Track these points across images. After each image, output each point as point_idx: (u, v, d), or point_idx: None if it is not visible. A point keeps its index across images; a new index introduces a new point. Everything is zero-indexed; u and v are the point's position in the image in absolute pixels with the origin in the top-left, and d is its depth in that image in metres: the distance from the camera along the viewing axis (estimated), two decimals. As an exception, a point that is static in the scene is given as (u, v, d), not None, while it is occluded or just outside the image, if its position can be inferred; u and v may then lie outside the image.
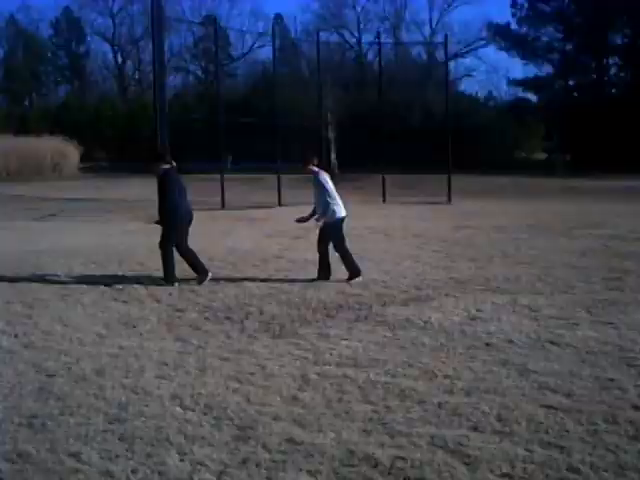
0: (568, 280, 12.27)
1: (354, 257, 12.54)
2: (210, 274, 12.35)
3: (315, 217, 12.57)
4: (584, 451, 5.45)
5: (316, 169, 12.59)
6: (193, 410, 6.41)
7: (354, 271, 12.46)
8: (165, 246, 12.28)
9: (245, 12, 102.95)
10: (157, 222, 12.48)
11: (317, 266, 12.52)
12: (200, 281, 12.20)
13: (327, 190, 12.34)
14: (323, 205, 12.33)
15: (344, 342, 8.57)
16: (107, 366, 7.76)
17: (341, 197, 12.55)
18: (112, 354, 8.22)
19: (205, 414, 6.32)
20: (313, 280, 12.37)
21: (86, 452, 5.55)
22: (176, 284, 12.08)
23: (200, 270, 12.34)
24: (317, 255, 12.47)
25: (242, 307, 10.47)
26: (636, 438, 5.67)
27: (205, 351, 8.30)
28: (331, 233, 12.44)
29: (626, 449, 5.47)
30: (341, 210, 12.48)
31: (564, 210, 25.45)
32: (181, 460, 5.43)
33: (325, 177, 12.51)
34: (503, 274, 12.85)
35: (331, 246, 12.48)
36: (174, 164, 12.48)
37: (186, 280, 12.38)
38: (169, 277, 12.20)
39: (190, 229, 12.61)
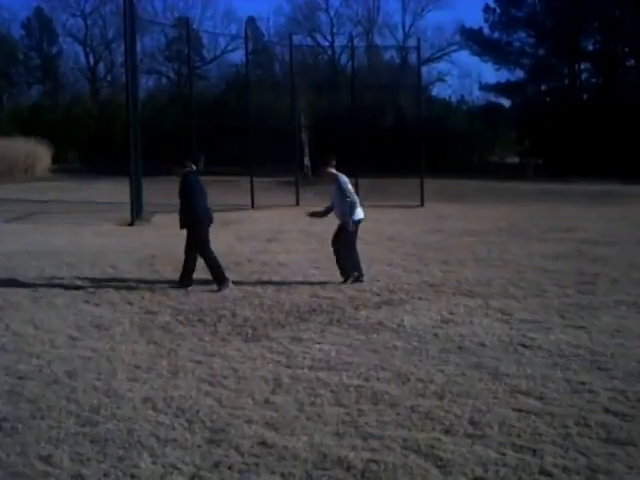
0: (540, 284, 12.33)
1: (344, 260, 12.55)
2: (230, 284, 12.08)
3: (326, 212, 12.76)
4: (556, 454, 5.48)
5: (335, 171, 12.58)
6: (165, 413, 6.39)
7: (347, 275, 12.52)
8: (204, 251, 12.11)
9: (218, 14, 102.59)
10: (182, 226, 12.31)
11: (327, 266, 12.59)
12: (217, 291, 11.89)
13: (348, 191, 12.34)
14: (343, 206, 12.32)
15: (317, 345, 8.56)
16: (79, 369, 7.72)
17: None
18: (84, 357, 8.18)
19: (177, 417, 6.29)
20: (342, 282, 12.41)
21: (57, 455, 5.51)
22: (230, 284, 11.96)
23: (219, 279, 12.07)
24: (327, 254, 12.38)
25: (215, 310, 10.44)
26: (607, 441, 5.70)
27: (177, 354, 8.27)
28: (346, 233, 12.45)
29: (598, 452, 5.50)
30: (359, 212, 12.50)
31: (536, 214, 25.57)
32: (153, 463, 5.41)
33: (345, 179, 12.51)
34: (475, 277, 12.90)
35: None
36: (195, 167, 12.46)
37: (161, 282, 12.33)
38: (222, 278, 12.03)
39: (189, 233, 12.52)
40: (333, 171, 12.62)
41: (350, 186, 12.50)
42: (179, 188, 12.23)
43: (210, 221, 12.43)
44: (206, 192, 12.45)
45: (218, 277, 12.03)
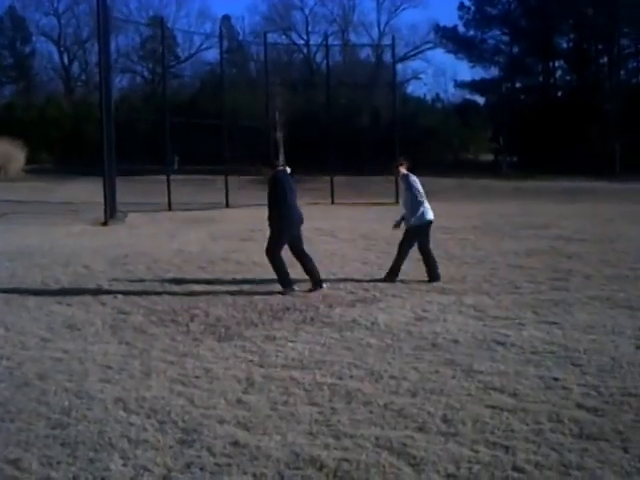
0: (514, 281, 12.36)
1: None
2: (325, 286, 11.81)
3: (403, 220, 12.61)
4: (529, 450, 5.47)
5: (406, 172, 12.54)
6: (137, 414, 6.33)
7: (435, 275, 12.43)
8: (274, 251, 11.69)
9: (192, 13, 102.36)
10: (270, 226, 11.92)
11: (391, 266, 12.52)
12: (311, 290, 11.64)
13: (418, 192, 12.32)
14: (413, 207, 12.30)
15: (290, 344, 8.53)
16: (50, 370, 7.64)
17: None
18: (55, 358, 8.10)
19: (149, 418, 6.24)
20: (383, 280, 12.37)
21: (26, 459, 5.44)
22: (295, 287, 11.63)
23: (315, 279, 11.80)
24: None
25: (187, 310, 10.38)
26: (580, 436, 5.70)
27: (150, 354, 8.21)
28: (417, 234, 12.41)
29: (570, 448, 5.50)
30: (429, 213, 12.45)
31: (510, 211, 25.66)
32: (124, 465, 5.35)
33: (415, 179, 12.47)
34: (449, 275, 12.89)
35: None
36: (285, 167, 12.14)
37: (135, 282, 12.27)
38: (286, 282, 11.63)
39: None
40: (404, 171, 12.58)
41: (420, 187, 12.44)
42: (268, 188, 11.84)
43: (300, 221, 11.94)
44: (296, 192, 12.04)
45: (282, 280, 11.66)
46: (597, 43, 62.49)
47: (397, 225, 12.85)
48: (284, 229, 11.69)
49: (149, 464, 5.34)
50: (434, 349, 8.25)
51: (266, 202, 11.63)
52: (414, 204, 12.32)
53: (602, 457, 5.34)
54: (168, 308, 10.52)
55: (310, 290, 11.58)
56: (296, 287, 11.62)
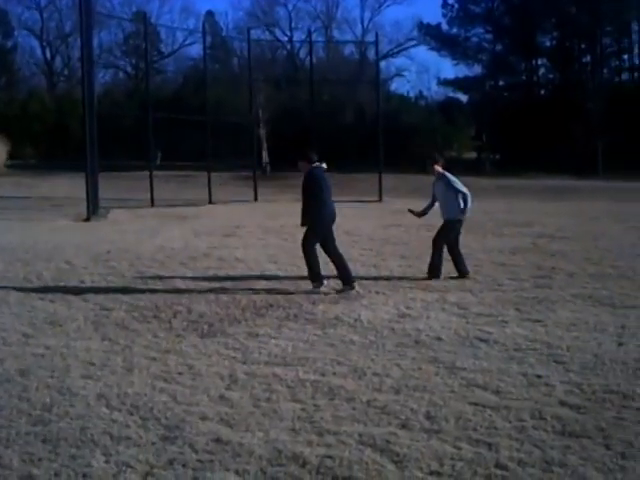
0: (497, 278, 12.38)
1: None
2: (356, 287, 11.53)
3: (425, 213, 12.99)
4: (512, 447, 5.47)
5: (442, 170, 12.54)
6: (119, 410, 6.30)
7: (463, 270, 12.48)
8: (308, 246, 11.61)
9: (176, 9, 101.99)
10: (303, 224, 11.85)
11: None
12: (341, 290, 11.46)
13: (458, 189, 12.32)
14: (454, 202, 12.32)
15: (273, 341, 8.52)
16: (32, 366, 7.60)
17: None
18: (37, 354, 8.06)
19: (131, 414, 6.21)
20: (425, 279, 12.30)
21: (7, 456, 5.40)
22: (325, 282, 11.60)
23: (345, 278, 11.63)
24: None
25: (170, 306, 10.35)
26: (562, 434, 5.71)
27: (132, 350, 8.18)
28: (453, 229, 12.46)
29: (552, 445, 5.50)
30: (468, 211, 12.47)
31: (493, 209, 25.68)
32: (106, 462, 5.32)
33: (452, 177, 12.48)
34: (433, 272, 12.90)
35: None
36: (322, 163, 12.00)
37: (117, 278, 12.23)
38: (316, 277, 11.57)
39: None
40: (440, 169, 12.57)
41: (459, 183, 12.45)
42: (304, 184, 11.76)
43: (333, 219, 11.85)
44: (331, 188, 11.93)
45: (312, 275, 11.61)
46: (580, 42, 62.70)
47: (416, 213, 13.07)
48: (318, 225, 11.61)
49: (131, 461, 5.31)
50: (417, 346, 8.26)
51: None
52: (452, 202, 12.33)
53: (584, 454, 5.35)
54: (150, 304, 10.48)
55: (341, 290, 11.41)
56: (325, 284, 11.57)
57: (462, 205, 12.31)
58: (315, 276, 11.56)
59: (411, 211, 13.28)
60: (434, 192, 12.80)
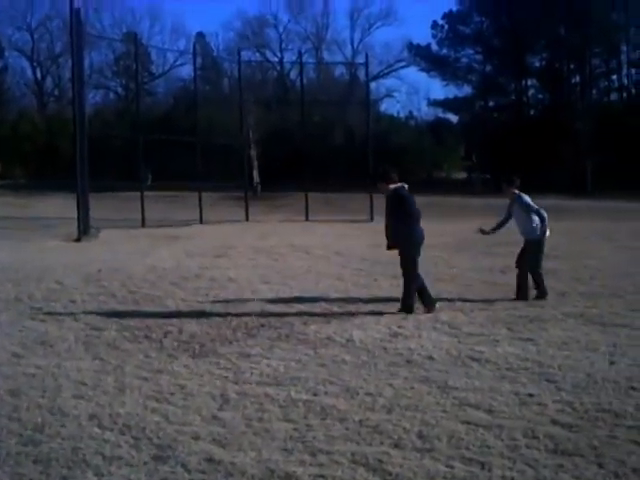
0: (488, 297, 12.39)
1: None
2: (437, 306, 11.40)
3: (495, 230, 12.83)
4: (504, 466, 5.47)
5: (517, 192, 12.48)
6: (111, 430, 6.28)
7: (545, 291, 12.31)
8: (411, 270, 11.33)
9: (166, 29, 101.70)
10: (390, 247, 11.56)
11: (515, 286, 12.34)
12: (426, 312, 11.20)
13: (534, 209, 12.26)
14: (532, 223, 12.21)
15: (265, 361, 8.50)
16: (23, 386, 7.57)
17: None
18: (28, 374, 8.03)
19: (123, 434, 6.19)
20: (513, 300, 12.10)
21: (-2, 476, 5.39)
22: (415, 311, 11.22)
23: (426, 300, 11.38)
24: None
25: (161, 326, 10.32)
26: (555, 452, 5.71)
27: (124, 370, 8.16)
28: (534, 250, 12.29)
29: (545, 464, 5.50)
30: (547, 229, 12.37)
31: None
32: (98, 482, 5.30)
33: (527, 198, 12.39)
34: (424, 292, 12.91)
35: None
36: (403, 183, 11.55)
37: (108, 298, 12.20)
38: (409, 303, 11.26)
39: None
40: (515, 191, 12.52)
41: (534, 204, 12.38)
42: (390, 205, 11.41)
43: (422, 240, 11.53)
44: (419, 209, 11.59)
45: (407, 300, 11.31)
46: (569, 62, 63.11)
47: (488, 231, 12.96)
48: (411, 246, 11.33)
49: (123, 481, 5.29)
50: (409, 365, 8.25)
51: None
52: (532, 220, 12.24)
53: (577, 473, 5.35)
54: (142, 324, 10.46)
55: (426, 312, 11.20)
56: (415, 310, 11.27)
57: (539, 224, 12.22)
58: (410, 301, 11.26)
59: (482, 231, 13.13)
60: (509, 212, 12.72)
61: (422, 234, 11.47)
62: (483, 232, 13.14)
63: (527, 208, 12.32)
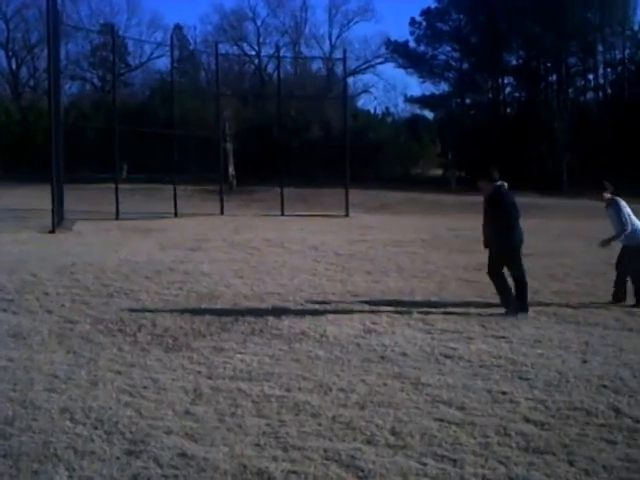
0: (462, 294, 12.44)
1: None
2: (529, 312, 10.92)
3: (612, 238, 12.25)
4: (476, 464, 5.49)
5: (610, 196, 12.22)
6: (83, 424, 6.24)
7: (620, 296, 12.01)
8: (497, 271, 11.05)
9: (144, 22, 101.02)
10: (486, 246, 11.44)
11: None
12: (515, 313, 10.81)
13: (628, 214, 12.03)
14: (625, 228, 11.94)
15: (239, 356, 8.48)
16: (-6, 379, 7.52)
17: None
18: (0, 367, 7.97)
19: (96, 428, 6.15)
20: (610, 303, 11.86)
21: (-32, 469, 5.35)
22: (520, 316, 10.74)
23: (520, 302, 10.97)
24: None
25: (135, 320, 10.27)
26: (527, 450, 5.74)
27: (97, 364, 8.12)
28: (632, 256, 12.03)
29: (517, 461, 5.53)
30: None
31: (459, 225, 25.81)
32: (69, 477, 5.26)
33: (622, 202, 12.14)
34: (398, 288, 12.95)
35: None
36: (503, 182, 11.39)
37: (82, 290, 12.13)
38: (509, 303, 10.95)
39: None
40: (609, 196, 12.23)
41: (628, 211, 12.12)
42: (490, 204, 11.27)
43: (522, 239, 11.23)
44: (519, 208, 11.30)
45: (507, 303, 11.00)
46: (546, 61, 63.44)
47: (605, 243, 12.46)
48: (509, 246, 11.06)
49: (95, 476, 5.27)
50: (383, 362, 8.27)
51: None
52: (624, 226, 11.96)
53: (548, 470, 5.38)
54: (115, 317, 10.41)
55: (515, 313, 10.86)
56: (520, 317, 10.90)
57: (632, 232, 11.97)
58: (509, 301, 10.99)
59: (604, 242, 12.49)
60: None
61: (521, 234, 11.22)
62: (605, 244, 12.52)
63: (620, 213, 12.00)
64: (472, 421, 6.34)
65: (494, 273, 11.08)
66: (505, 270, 11.19)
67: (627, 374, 7.77)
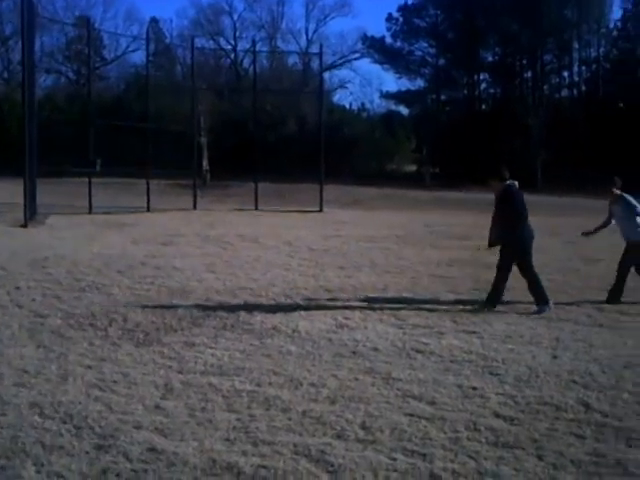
0: (434, 290, 12.48)
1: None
2: (552, 306, 11.00)
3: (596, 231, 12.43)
4: (446, 458, 5.51)
5: (619, 192, 12.12)
6: (52, 419, 6.21)
7: (613, 298, 11.90)
8: (530, 271, 11.14)
9: (120, 15, 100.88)
10: (491, 245, 11.48)
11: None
12: (536, 312, 10.86)
13: (637, 210, 11.96)
14: (633, 224, 11.90)
15: (210, 350, 8.47)
16: (-38, 373, 7.46)
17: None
18: (-31, 361, 7.92)
19: (65, 423, 6.12)
20: (603, 303, 11.73)
21: None
22: (551, 304, 11.01)
23: (539, 299, 11.06)
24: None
25: (106, 314, 10.23)
26: (496, 445, 5.76)
27: (67, 358, 8.08)
28: (636, 252, 11.95)
29: (486, 456, 5.55)
30: None
31: (432, 221, 25.89)
32: (38, 472, 5.23)
33: (630, 198, 12.03)
34: (371, 283, 12.97)
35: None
36: (514, 181, 11.50)
37: (54, 285, 12.07)
38: (544, 299, 11.00)
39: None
40: (617, 192, 12.15)
41: (637, 204, 12.00)
42: (500, 202, 11.28)
43: (533, 237, 11.35)
44: (527, 207, 11.37)
45: (539, 297, 11.08)
46: (521, 58, 63.73)
47: (589, 232, 12.69)
48: (520, 245, 11.20)
49: (64, 471, 5.24)
50: (354, 357, 8.28)
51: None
52: (634, 220, 11.95)
53: (517, 465, 5.40)
54: (87, 312, 10.36)
55: (535, 312, 10.90)
56: (551, 304, 11.08)
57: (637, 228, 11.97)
58: (543, 297, 11.05)
59: (585, 233, 12.87)
60: (611, 213, 12.38)
61: (531, 232, 11.32)
62: (586, 234, 12.89)
63: (631, 208, 11.97)
64: (442, 416, 6.36)
65: (529, 272, 11.18)
66: (504, 269, 11.33)
67: (596, 369, 7.82)
